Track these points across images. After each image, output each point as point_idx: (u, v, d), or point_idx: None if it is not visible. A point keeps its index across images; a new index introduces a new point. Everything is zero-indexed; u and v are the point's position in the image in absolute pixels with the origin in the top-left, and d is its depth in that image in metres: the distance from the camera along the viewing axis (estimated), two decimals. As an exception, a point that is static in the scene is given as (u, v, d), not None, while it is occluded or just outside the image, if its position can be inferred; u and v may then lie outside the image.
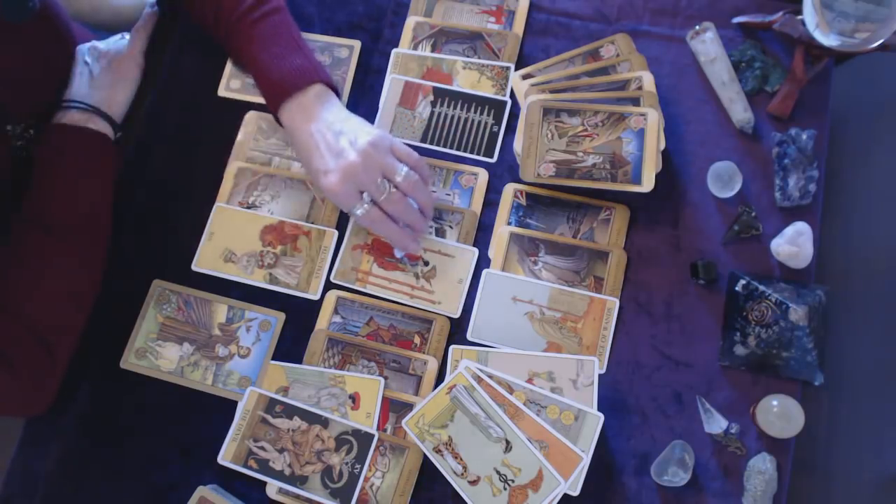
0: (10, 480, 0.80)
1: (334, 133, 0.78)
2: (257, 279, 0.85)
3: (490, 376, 0.76)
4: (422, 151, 0.88)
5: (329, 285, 0.84)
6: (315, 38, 0.94)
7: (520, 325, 0.81)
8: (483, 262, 0.84)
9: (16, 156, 0.81)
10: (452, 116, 0.89)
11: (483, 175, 0.87)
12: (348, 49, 0.93)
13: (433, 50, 0.92)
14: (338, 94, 0.83)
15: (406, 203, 0.79)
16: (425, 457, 0.76)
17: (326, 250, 0.85)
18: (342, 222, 0.86)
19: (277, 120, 0.83)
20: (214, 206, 0.87)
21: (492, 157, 0.88)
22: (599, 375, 0.77)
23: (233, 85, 0.92)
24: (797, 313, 0.75)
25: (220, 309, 0.84)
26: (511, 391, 0.76)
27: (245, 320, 0.84)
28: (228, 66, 0.93)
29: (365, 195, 0.78)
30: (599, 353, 0.80)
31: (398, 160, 0.79)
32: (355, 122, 0.80)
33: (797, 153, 0.82)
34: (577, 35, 0.92)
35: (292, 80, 0.80)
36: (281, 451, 0.77)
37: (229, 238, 0.86)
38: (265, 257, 0.85)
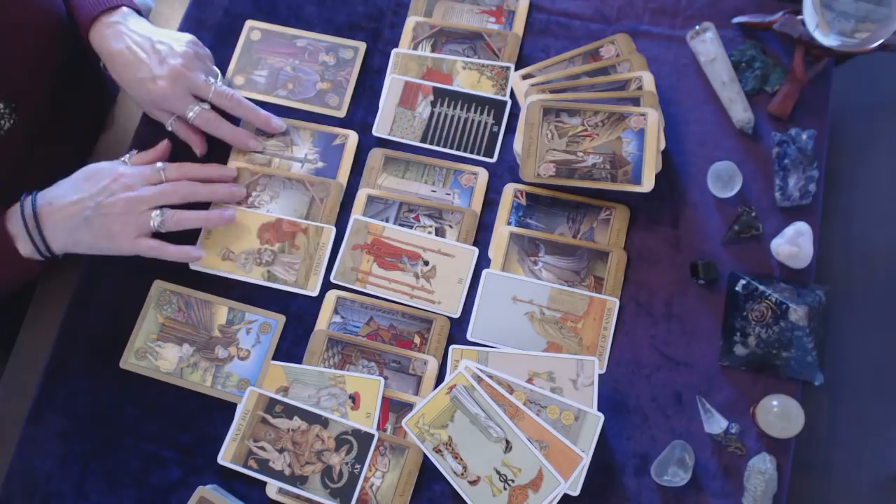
0: (10, 480, 0.80)
1: (151, 42, 0.82)
2: (255, 277, 0.84)
3: (490, 376, 0.76)
4: (422, 151, 0.89)
5: (328, 284, 0.84)
6: (320, 38, 0.93)
7: (520, 325, 0.81)
8: (483, 262, 0.84)
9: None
10: (452, 116, 0.89)
11: (483, 175, 0.87)
12: (353, 51, 0.93)
13: (433, 50, 0.92)
14: (142, 15, 0.86)
15: (237, 96, 0.86)
16: (425, 457, 0.76)
17: (324, 247, 0.85)
18: (341, 221, 0.86)
19: (90, 47, 0.84)
20: (213, 206, 0.87)
21: (492, 157, 0.88)
22: (599, 375, 0.77)
23: (234, 83, 0.92)
24: (797, 313, 0.75)
25: (221, 310, 0.84)
26: (511, 391, 0.76)
27: (245, 322, 0.83)
28: (229, 66, 0.93)
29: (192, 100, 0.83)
30: (599, 353, 0.80)
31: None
32: (165, 32, 0.85)
33: (797, 153, 0.82)
34: (577, 35, 0.92)
35: (98, 3, 0.83)
36: (281, 451, 0.77)
37: (227, 236, 0.86)
38: (263, 255, 0.85)
